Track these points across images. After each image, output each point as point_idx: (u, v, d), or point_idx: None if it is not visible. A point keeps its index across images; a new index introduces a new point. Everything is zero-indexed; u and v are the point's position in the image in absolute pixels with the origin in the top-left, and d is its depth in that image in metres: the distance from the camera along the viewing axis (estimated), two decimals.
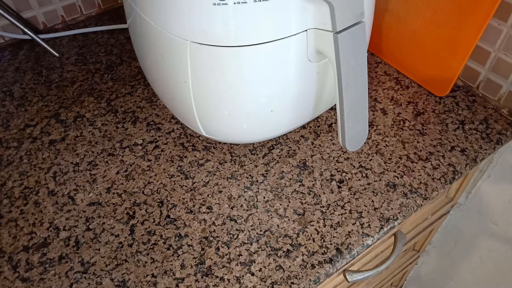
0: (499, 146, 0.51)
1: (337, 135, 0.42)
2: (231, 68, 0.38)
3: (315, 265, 0.40)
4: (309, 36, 0.37)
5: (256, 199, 0.45)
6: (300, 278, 0.39)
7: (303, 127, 0.52)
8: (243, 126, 0.44)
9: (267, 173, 0.48)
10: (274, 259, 0.41)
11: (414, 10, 0.52)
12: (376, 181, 0.47)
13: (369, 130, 0.52)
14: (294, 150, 0.50)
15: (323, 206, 0.45)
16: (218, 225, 0.43)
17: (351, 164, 0.48)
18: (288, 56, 0.38)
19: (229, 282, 0.39)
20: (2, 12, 0.57)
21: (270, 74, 0.39)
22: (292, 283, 0.39)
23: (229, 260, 0.41)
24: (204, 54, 0.37)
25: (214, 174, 0.48)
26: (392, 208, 0.45)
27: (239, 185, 0.47)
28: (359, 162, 0.48)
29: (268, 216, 0.44)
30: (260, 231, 0.43)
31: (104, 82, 0.59)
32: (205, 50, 0.36)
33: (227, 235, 0.43)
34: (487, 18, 0.46)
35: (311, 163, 0.48)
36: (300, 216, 0.44)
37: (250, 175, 0.47)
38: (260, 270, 0.40)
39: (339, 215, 0.44)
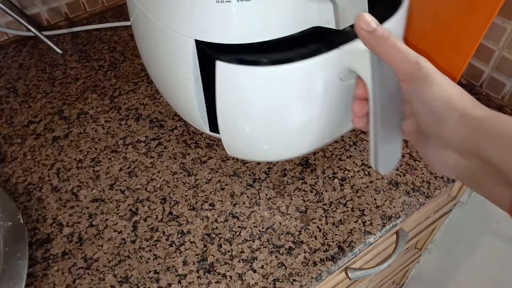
0: None
1: (368, 157, 0.39)
2: (259, 88, 0.37)
3: (317, 262, 0.40)
4: (343, 55, 0.35)
5: (258, 196, 0.45)
6: (302, 275, 0.40)
7: None
8: (263, 146, 0.43)
9: (269, 171, 0.48)
10: (276, 256, 0.41)
11: (417, 8, 0.52)
12: (378, 179, 0.47)
13: None
14: None
15: (325, 204, 0.45)
16: (221, 222, 0.43)
17: (354, 162, 0.48)
18: (320, 76, 0.36)
19: (231, 278, 0.39)
20: (6, 9, 0.57)
21: (299, 95, 0.37)
22: (294, 280, 0.39)
23: (231, 257, 0.41)
24: (233, 74, 0.36)
25: (217, 171, 0.48)
26: (394, 206, 0.45)
27: (241, 182, 0.47)
28: (361, 160, 0.48)
29: (270, 213, 0.44)
30: (262, 228, 0.43)
31: (108, 79, 0.59)
32: (233, 70, 0.35)
33: (229, 232, 0.43)
34: (491, 16, 0.45)
35: (314, 161, 0.48)
36: (302, 214, 0.44)
37: (252, 172, 0.48)
38: (262, 267, 0.40)
39: (341, 212, 0.44)
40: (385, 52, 0.29)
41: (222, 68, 0.35)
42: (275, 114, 0.38)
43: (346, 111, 0.42)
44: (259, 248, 0.42)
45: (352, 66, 0.35)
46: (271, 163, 0.48)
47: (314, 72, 0.36)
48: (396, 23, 0.39)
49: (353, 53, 0.34)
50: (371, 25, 0.29)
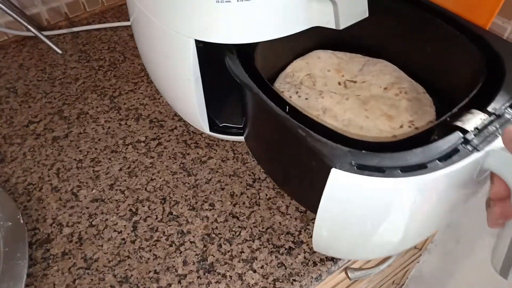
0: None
1: (491, 260, 0.34)
2: (381, 197, 0.30)
3: (317, 262, 0.40)
4: (487, 157, 0.30)
5: (258, 196, 0.45)
6: (302, 275, 0.40)
7: None
8: (363, 249, 0.37)
9: None
10: (276, 256, 0.41)
11: None
12: None
13: None
14: None
15: None
16: (221, 222, 0.43)
17: None
18: (455, 180, 0.31)
19: (231, 278, 0.39)
20: (6, 9, 0.57)
21: (423, 200, 0.31)
22: (294, 280, 0.39)
23: (231, 257, 0.41)
24: (351, 185, 0.29)
25: (217, 171, 0.48)
26: None
27: (241, 182, 0.47)
28: None
29: (270, 213, 0.44)
30: (262, 228, 0.43)
31: (107, 79, 0.59)
32: (353, 180, 0.28)
33: (229, 232, 0.43)
34: (491, 16, 0.45)
35: None
36: (302, 214, 0.44)
37: (252, 172, 0.48)
38: (262, 267, 0.40)
39: None
40: None
41: (337, 177, 0.28)
42: (389, 221, 0.32)
43: (461, 204, 0.37)
44: (259, 248, 0.42)
45: (496, 170, 0.29)
46: None
47: (449, 178, 0.30)
48: None
49: (503, 159, 0.28)
50: None
